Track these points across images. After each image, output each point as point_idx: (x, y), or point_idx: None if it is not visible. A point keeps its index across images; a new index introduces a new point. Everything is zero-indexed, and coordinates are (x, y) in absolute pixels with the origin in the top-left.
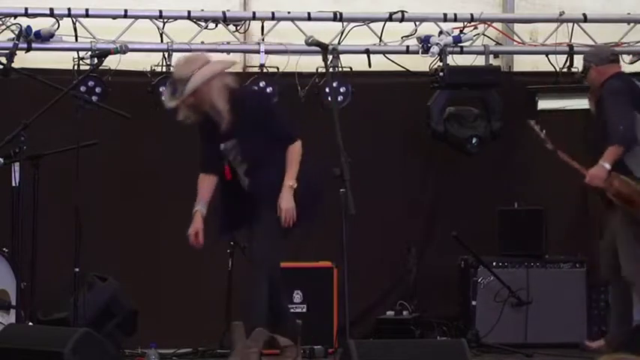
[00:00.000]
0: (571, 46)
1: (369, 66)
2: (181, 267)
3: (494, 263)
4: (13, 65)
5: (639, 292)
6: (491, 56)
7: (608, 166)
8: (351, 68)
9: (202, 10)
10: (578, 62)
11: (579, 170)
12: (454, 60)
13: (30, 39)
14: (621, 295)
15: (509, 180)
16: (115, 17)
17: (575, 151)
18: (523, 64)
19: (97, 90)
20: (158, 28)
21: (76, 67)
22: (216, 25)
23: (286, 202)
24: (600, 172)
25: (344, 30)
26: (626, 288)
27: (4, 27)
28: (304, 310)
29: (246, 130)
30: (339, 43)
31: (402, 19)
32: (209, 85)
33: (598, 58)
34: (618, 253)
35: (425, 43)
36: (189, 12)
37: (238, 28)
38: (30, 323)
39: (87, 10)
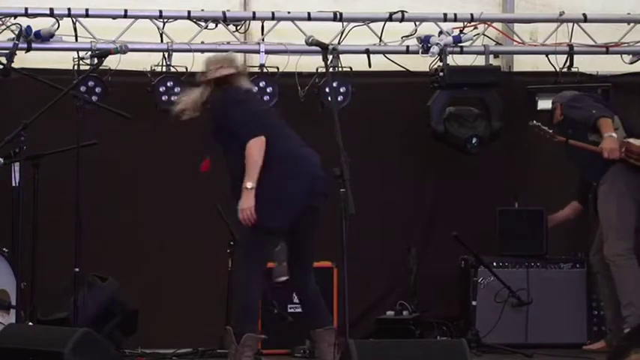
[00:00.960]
0: (571, 46)
1: (369, 66)
2: (181, 267)
3: (494, 263)
4: (13, 65)
5: (617, 272)
6: (491, 56)
7: (614, 134)
8: (351, 68)
9: (202, 10)
10: (578, 62)
11: (595, 150)
12: (454, 60)
13: (30, 39)
14: (611, 291)
15: (509, 180)
16: (115, 17)
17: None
18: (523, 64)
19: (97, 90)
20: (158, 28)
21: (76, 67)
22: (216, 25)
23: (242, 203)
24: (612, 143)
25: (344, 30)
26: (614, 282)
27: (4, 27)
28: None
29: (221, 138)
30: (339, 43)
31: (402, 19)
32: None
33: (564, 98)
34: (603, 237)
35: (425, 43)
36: (189, 12)
37: (238, 28)
38: (30, 323)
39: (87, 10)
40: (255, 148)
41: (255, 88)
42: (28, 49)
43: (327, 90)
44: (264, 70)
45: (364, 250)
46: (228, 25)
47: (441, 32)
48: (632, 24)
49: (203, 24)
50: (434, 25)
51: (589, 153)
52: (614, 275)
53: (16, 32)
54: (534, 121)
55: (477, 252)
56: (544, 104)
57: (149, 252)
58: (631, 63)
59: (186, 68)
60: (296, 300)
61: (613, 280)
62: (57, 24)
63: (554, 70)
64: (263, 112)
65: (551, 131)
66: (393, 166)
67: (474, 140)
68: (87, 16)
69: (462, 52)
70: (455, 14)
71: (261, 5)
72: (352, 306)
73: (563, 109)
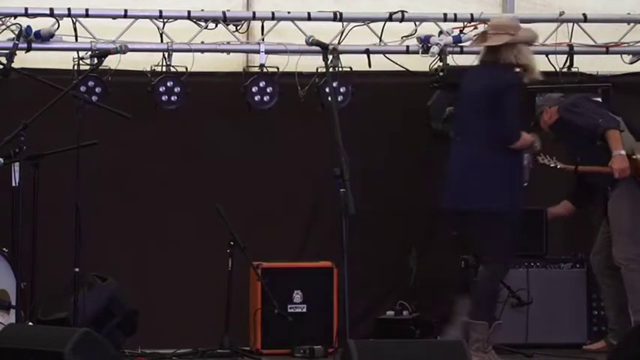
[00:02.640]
0: (571, 46)
1: (369, 66)
2: (181, 267)
3: None
4: (13, 65)
5: (628, 276)
6: None
7: (622, 152)
8: (351, 68)
9: (202, 10)
10: (578, 62)
11: (603, 171)
12: (454, 60)
13: (30, 39)
14: (614, 291)
15: None
16: (115, 17)
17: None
18: None
19: (97, 90)
20: (158, 28)
21: (76, 67)
22: (216, 25)
23: None
24: (622, 162)
25: (344, 30)
26: (617, 282)
27: (4, 27)
28: (304, 310)
29: None
30: (339, 43)
31: (402, 19)
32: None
33: (551, 100)
34: (612, 239)
35: (425, 43)
36: (189, 12)
37: (238, 28)
38: (30, 323)
39: (87, 10)
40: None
41: None
42: (28, 49)
43: (327, 90)
44: (264, 70)
45: (364, 250)
46: (228, 25)
47: (441, 32)
48: (632, 24)
49: (203, 24)
50: (434, 25)
51: (600, 158)
52: (625, 279)
53: (16, 32)
54: (541, 156)
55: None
56: None
57: (149, 252)
58: (631, 63)
59: (186, 68)
60: (296, 300)
61: (616, 280)
62: (57, 24)
63: (554, 70)
64: None
65: (559, 166)
66: (393, 166)
67: None
68: (87, 16)
69: (462, 52)
70: (455, 14)
71: (262, 5)
72: (352, 306)
73: (560, 113)
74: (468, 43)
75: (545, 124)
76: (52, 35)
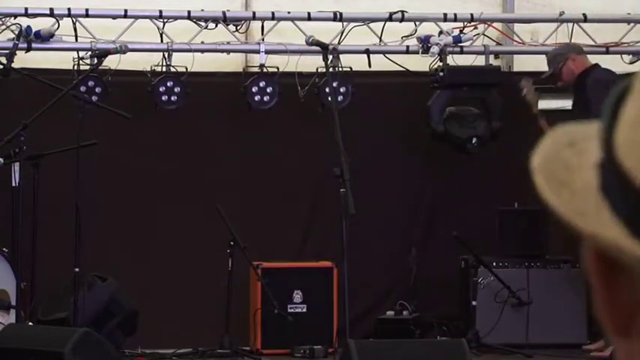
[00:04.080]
0: None
1: (369, 66)
2: (181, 267)
3: (494, 263)
4: (13, 65)
5: None
6: (491, 56)
7: None
8: (351, 68)
9: (202, 10)
10: None
11: None
12: (454, 60)
13: (30, 39)
14: None
15: (509, 180)
16: (115, 17)
17: None
18: (523, 64)
19: (97, 90)
20: (158, 28)
21: (76, 67)
22: (216, 25)
23: None
24: None
25: (344, 30)
26: None
27: (4, 27)
28: (304, 310)
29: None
30: (339, 43)
31: (402, 19)
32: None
33: (574, 49)
34: None
35: (425, 43)
36: (189, 12)
37: (238, 28)
38: (30, 323)
39: (87, 10)
40: None
41: None
42: (28, 49)
43: (327, 90)
44: (264, 70)
45: (364, 250)
46: (228, 25)
47: (441, 32)
48: (632, 24)
49: (203, 24)
50: (434, 25)
51: None
52: None
53: (16, 32)
54: (524, 81)
55: (477, 252)
56: (544, 104)
57: (149, 252)
58: (631, 63)
59: (186, 68)
60: (296, 300)
61: None
62: (57, 24)
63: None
64: None
65: (535, 100)
66: (393, 166)
67: (474, 140)
68: (87, 16)
69: (462, 52)
70: (455, 14)
71: (262, 5)
72: (352, 306)
73: (588, 73)
74: (467, 43)
75: (571, 75)
76: (52, 35)
